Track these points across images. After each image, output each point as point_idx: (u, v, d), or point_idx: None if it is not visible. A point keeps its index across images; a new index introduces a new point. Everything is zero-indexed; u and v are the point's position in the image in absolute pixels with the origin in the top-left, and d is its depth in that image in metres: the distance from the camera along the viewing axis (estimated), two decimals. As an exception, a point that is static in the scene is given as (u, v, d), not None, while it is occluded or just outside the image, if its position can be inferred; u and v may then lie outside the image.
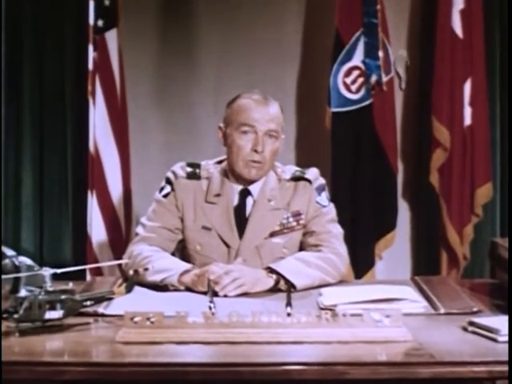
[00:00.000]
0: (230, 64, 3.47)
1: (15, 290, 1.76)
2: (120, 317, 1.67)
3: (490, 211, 3.36)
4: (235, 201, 2.22)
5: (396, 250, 3.40)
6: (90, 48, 3.08)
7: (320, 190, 2.27)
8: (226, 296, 1.96)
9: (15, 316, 1.64)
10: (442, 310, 1.82)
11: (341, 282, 2.16)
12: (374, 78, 3.19)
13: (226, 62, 3.48)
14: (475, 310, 1.82)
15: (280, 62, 3.48)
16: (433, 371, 1.46)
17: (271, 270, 2.06)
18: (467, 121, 3.25)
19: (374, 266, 3.25)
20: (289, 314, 1.63)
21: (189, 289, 2.02)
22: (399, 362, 1.50)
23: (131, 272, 1.87)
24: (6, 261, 1.86)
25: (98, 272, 2.89)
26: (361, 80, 3.20)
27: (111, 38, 3.11)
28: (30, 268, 1.82)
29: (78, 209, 3.31)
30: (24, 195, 3.35)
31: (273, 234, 2.21)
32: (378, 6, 3.16)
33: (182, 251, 2.28)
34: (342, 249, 2.23)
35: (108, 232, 3.13)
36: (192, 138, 3.47)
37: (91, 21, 3.07)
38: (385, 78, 3.19)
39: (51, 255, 3.36)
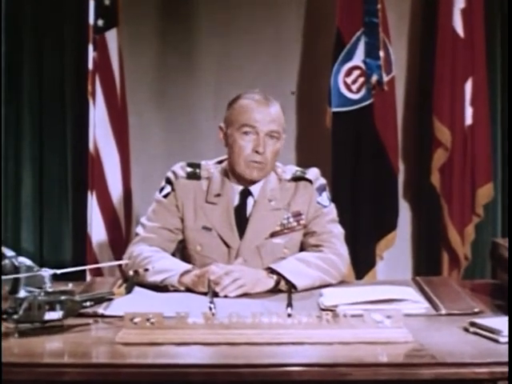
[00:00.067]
0: (230, 66, 3.47)
1: (14, 290, 1.75)
2: (120, 318, 1.67)
3: (491, 211, 3.36)
4: (236, 201, 2.22)
5: (397, 250, 3.39)
6: (90, 48, 3.08)
7: (321, 190, 2.26)
8: (226, 297, 1.96)
9: (14, 317, 1.63)
10: (444, 311, 1.82)
11: (342, 283, 2.15)
12: (374, 78, 3.18)
13: (225, 63, 3.48)
14: (476, 310, 1.82)
15: (280, 62, 3.48)
16: (434, 372, 1.45)
17: (272, 271, 2.06)
18: (468, 120, 3.24)
19: (374, 267, 3.25)
20: (289, 315, 1.62)
21: (189, 289, 2.01)
22: (400, 363, 1.49)
23: (131, 273, 1.87)
24: (6, 261, 1.85)
25: (97, 272, 2.89)
26: (361, 80, 3.20)
27: (111, 37, 3.11)
28: (29, 269, 1.81)
29: (77, 209, 3.31)
30: (24, 195, 3.35)
31: (273, 235, 2.21)
32: (379, 6, 3.16)
33: (182, 251, 2.28)
34: (343, 249, 2.22)
35: (108, 232, 3.12)
36: (192, 139, 3.47)
37: (91, 20, 3.07)
38: (385, 78, 3.19)
39: (51, 255, 3.36)
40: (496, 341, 1.56)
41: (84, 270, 2.80)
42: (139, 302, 1.85)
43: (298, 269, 2.07)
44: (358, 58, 3.19)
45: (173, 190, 2.22)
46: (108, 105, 3.11)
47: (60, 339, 1.63)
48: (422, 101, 3.40)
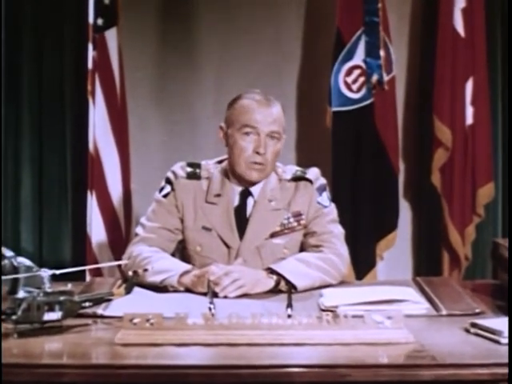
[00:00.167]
0: (230, 64, 3.46)
1: (13, 291, 1.74)
2: (119, 318, 1.66)
3: (491, 211, 3.35)
4: (236, 201, 2.21)
5: (397, 250, 3.38)
6: (90, 47, 3.07)
7: (321, 190, 2.25)
8: (226, 297, 1.95)
9: (13, 317, 1.63)
10: (444, 312, 1.81)
11: (342, 283, 2.15)
12: (375, 78, 3.17)
13: (226, 61, 3.47)
14: (477, 311, 1.81)
15: (280, 62, 3.47)
16: (435, 373, 1.45)
17: (272, 271, 2.05)
18: (469, 120, 3.24)
19: (375, 267, 3.24)
20: (289, 316, 1.61)
21: (189, 290, 2.00)
22: (401, 364, 1.49)
23: (130, 273, 1.86)
24: (5, 261, 1.85)
25: (97, 273, 2.88)
26: (362, 79, 3.19)
27: (111, 36, 3.10)
28: (28, 269, 1.81)
29: (77, 209, 3.30)
30: (23, 195, 3.34)
31: (273, 235, 2.20)
32: (379, 5, 3.15)
33: (181, 252, 2.27)
34: (343, 249, 2.22)
35: (108, 232, 3.12)
36: (192, 138, 3.46)
37: (91, 19, 3.06)
38: (386, 78, 3.18)
39: (51, 255, 3.35)
40: (497, 342, 1.55)
41: (83, 270, 2.79)
42: (139, 302, 1.84)
43: (298, 269, 2.07)
44: (359, 58, 3.19)
45: (173, 189, 2.21)
46: (108, 104, 3.11)
47: (59, 340, 1.62)
48: (423, 100, 3.39)
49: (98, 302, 1.77)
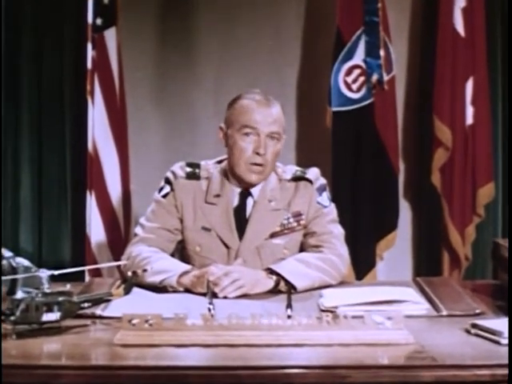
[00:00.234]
0: (230, 64, 3.46)
1: (12, 291, 1.74)
2: (118, 319, 1.65)
3: (492, 211, 3.35)
4: (235, 201, 2.20)
5: (397, 250, 3.38)
6: (89, 47, 3.07)
7: (321, 190, 2.25)
8: (225, 297, 1.95)
9: (12, 318, 1.62)
10: (445, 312, 1.81)
11: (342, 284, 2.14)
12: (375, 77, 3.17)
13: (225, 61, 3.46)
14: (478, 311, 1.81)
15: (280, 61, 3.47)
16: (435, 374, 1.44)
17: (271, 271, 2.05)
18: (469, 120, 3.23)
19: (375, 267, 3.24)
20: (289, 316, 1.61)
21: (188, 290, 2.00)
22: (401, 365, 1.48)
23: (130, 273, 1.85)
24: (3, 262, 1.84)
25: (96, 273, 2.88)
26: (362, 79, 3.19)
27: (110, 36, 3.09)
28: (27, 269, 1.80)
29: (76, 209, 3.30)
30: (23, 195, 3.34)
31: (273, 235, 2.19)
32: (379, 4, 3.15)
33: (181, 252, 2.27)
34: (343, 249, 2.21)
35: (107, 232, 3.11)
36: (191, 138, 3.46)
37: (90, 19, 3.06)
38: (386, 77, 3.18)
39: (50, 256, 3.35)
40: (497, 342, 1.55)
41: (83, 271, 2.78)
42: (138, 302, 1.84)
43: (298, 269, 2.06)
44: (359, 57, 3.18)
45: (172, 190, 2.21)
46: (107, 104, 3.10)
47: (58, 341, 1.61)
48: (423, 100, 3.39)
49: (96, 302, 1.76)
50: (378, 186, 3.24)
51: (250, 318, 1.59)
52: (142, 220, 2.24)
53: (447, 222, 3.24)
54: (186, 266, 2.07)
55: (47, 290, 1.67)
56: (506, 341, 1.53)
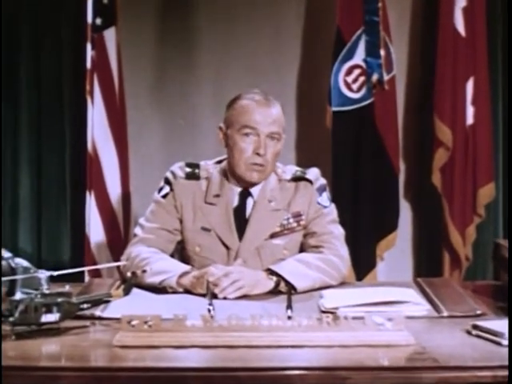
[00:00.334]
0: (230, 64, 3.45)
1: (11, 292, 1.73)
2: (117, 320, 1.65)
3: (492, 211, 3.34)
4: (235, 202, 2.20)
5: (397, 250, 3.37)
6: (88, 46, 3.06)
7: (321, 190, 2.24)
8: (225, 298, 1.94)
9: (11, 319, 1.61)
10: (445, 313, 1.80)
11: (342, 284, 2.13)
12: (375, 77, 3.16)
13: (225, 61, 3.46)
14: (479, 312, 1.80)
15: (280, 61, 3.46)
16: (436, 376, 1.43)
17: (271, 272, 2.04)
18: (469, 120, 3.22)
19: (375, 267, 3.23)
20: (289, 317, 1.60)
21: (187, 291, 1.99)
22: (402, 367, 1.47)
23: (129, 274, 1.85)
24: (3, 262, 1.83)
25: (96, 273, 2.87)
26: (362, 79, 3.18)
27: (109, 36, 3.09)
28: (26, 270, 1.79)
29: (76, 209, 3.29)
30: (22, 196, 3.33)
31: (273, 235, 2.19)
32: (380, 4, 3.14)
33: (180, 252, 2.26)
34: (343, 250, 2.21)
35: (106, 233, 3.11)
36: (191, 139, 3.45)
37: (89, 19, 3.05)
38: (386, 77, 3.17)
39: (49, 256, 3.34)
40: (499, 344, 1.54)
41: (82, 271, 2.78)
42: (137, 303, 1.83)
43: (298, 270, 2.06)
44: (359, 57, 3.17)
45: (171, 190, 2.20)
46: (106, 104, 3.09)
47: (57, 342, 1.61)
48: (423, 100, 3.38)
49: (96, 303, 1.76)
50: (379, 186, 3.23)
51: (250, 318, 1.58)
52: (142, 220, 2.24)
53: (448, 222, 3.23)
54: (185, 267, 2.06)
55: (46, 291, 1.66)
56: (507, 342, 1.53)
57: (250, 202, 2.20)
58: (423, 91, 3.39)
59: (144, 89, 3.46)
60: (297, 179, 2.23)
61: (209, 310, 1.65)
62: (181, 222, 2.19)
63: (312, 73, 3.45)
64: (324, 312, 1.76)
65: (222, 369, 1.47)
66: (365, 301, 1.79)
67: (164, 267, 2.04)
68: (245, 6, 3.44)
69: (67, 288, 1.71)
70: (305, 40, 3.47)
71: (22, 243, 3.33)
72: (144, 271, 1.91)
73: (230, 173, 2.20)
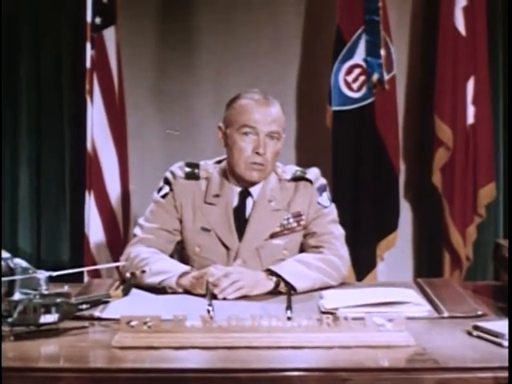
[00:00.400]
0: (230, 64, 3.44)
1: (10, 292, 1.72)
2: (116, 320, 1.64)
3: (493, 211, 3.34)
4: (235, 202, 2.19)
5: (398, 251, 3.36)
6: (88, 46, 3.05)
7: (321, 190, 2.23)
8: (225, 299, 1.93)
9: (9, 320, 1.61)
10: (446, 314, 1.79)
11: (342, 285, 2.13)
12: (375, 77, 3.15)
13: (225, 61, 3.45)
14: (480, 313, 1.79)
15: (280, 61, 3.45)
16: (436, 377, 1.43)
17: (271, 272, 2.04)
18: (470, 119, 3.22)
19: (375, 268, 3.22)
20: (289, 318, 1.59)
21: (187, 291, 1.99)
22: (402, 368, 1.47)
23: (128, 274, 1.84)
24: (1, 263, 1.82)
25: (95, 273, 2.86)
26: (362, 78, 3.17)
27: (109, 35, 3.08)
28: (24, 270, 1.78)
29: (75, 209, 3.28)
30: (21, 196, 3.33)
31: (273, 236, 2.18)
32: (380, 3, 3.13)
33: (180, 253, 2.25)
34: (344, 250, 2.20)
35: (106, 233, 3.10)
36: (191, 139, 3.44)
37: (89, 18, 3.04)
38: (386, 77, 3.16)
39: (48, 256, 3.34)
40: (500, 345, 1.53)
41: (82, 271, 2.77)
42: (136, 304, 1.83)
43: (298, 270, 2.05)
44: (359, 57, 3.16)
45: (171, 190, 2.19)
46: (106, 104, 3.08)
47: (55, 343, 1.60)
48: (424, 100, 3.38)
49: (95, 304, 1.75)
50: (379, 186, 3.23)
51: (250, 319, 1.58)
52: (141, 220, 2.23)
53: (448, 222, 3.23)
54: (185, 267, 2.06)
55: (45, 292, 1.65)
56: (508, 343, 1.52)
57: (249, 201, 2.19)
58: (423, 91, 3.39)
59: (144, 89, 3.45)
60: (297, 179, 2.23)
61: (208, 311, 1.65)
62: (180, 222, 2.19)
63: (312, 72, 3.45)
64: (324, 313, 1.75)
65: (222, 370, 1.46)
66: (365, 301, 1.78)
67: (163, 267, 2.03)
68: (245, 6, 3.43)
69: (66, 288, 1.71)
70: (305, 40, 3.46)
71: (22, 243, 3.32)
72: (143, 271, 1.91)
73: (229, 172, 2.19)
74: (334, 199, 2.30)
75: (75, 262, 3.16)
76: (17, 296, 1.64)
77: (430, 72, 3.27)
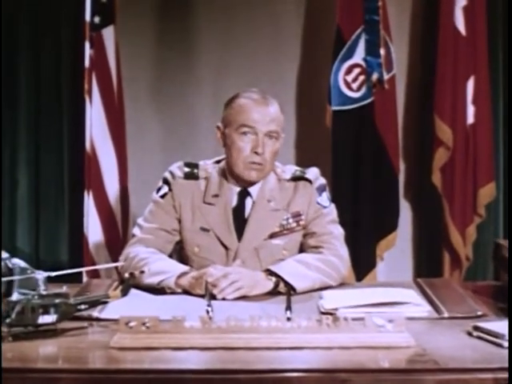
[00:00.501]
0: (229, 63, 3.44)
1: (8, 293, 1.71)
2: (115, 321, 1.63)
3: (493, 211, 3.33)
4: (234, 202, 2.18)
5: (397, 250, 3.36)
6: (87, 45, 3.05)
7: (321, 190, 2.23)
8: (224, 299, 1.92)
9: (7, 320, 1.60)
10: (446, 314, 1.79)
11: (342, 285, 2.12)
12: (375, 76, 3.15)
13: (225, 61, 3.44)
14: (480, 313, 1.79)
15: (280, 60, 3.45)
16: (437, 378, 1.42)
17: (270, 273, 2.03)
18: (470, 119, 3.21)
19: (375, 268, 3.22)
20: (289, 319, 1.59)
21: (186, 292, 1.98)
22: (402, 369, 1.46)
23: (127, 275, 1.83)
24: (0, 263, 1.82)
25: (94, 274, 2.85)
26: (362, 78, 3.16)
27: (108, 35, 3.07)
28: (23, 271, 1.77)
29: (74, 209, 3.28)
30: (20, 196, 3.32)
31: (272, 236, 2.17)
32: (380, 3, 3.13)
33: (179, 253, 2.25)
34: (343, 250, 2.19)
35: (105, 233, 3.09)
36: (190, 138, 3.44)
37: (88, 17, 3.04)
38: (386, 76, 3.15)
39: (47, 256, 3.33)
40: (500, 345, 1.52)
41: (81, 272, 2.76)
42: (135, 304, 1.82)
43: (298, 270, 2.04)
44: (359, 56, 3.16)
45: (170, 190, 2.19)
46: (105, 103, 3.08)
47: (54, 343, 1.59)
48: (424, 99, 3.37)
49: (93, 304, 1.74)
50: (378, 185, 3.22)
51: (249, 320, 1.57)
52: (140, 220, 2.22)
53: (448, 222, 3.22)
54: (184, 267, 2.05)
55: (43, 292, 1.65)
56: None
57: (248, 201, 2.19)
58: (423, 90, 3.38)
59: (143, 88, 3.45)
60: (296, 179, 2.22)
61: (207, 311, 1.64)
62: (179, 222, 2.18)
63: (312, 72, 3.44)
64: (324, 313, 1.74)
65: (221, 371, 1.45)
66: (365, 302, 1.77)
67: (162, 268, 2.02)
68: (244, 5, 3.43)
69: (64, 289, 1.70)
70: (304, 39, 3.45)
71: (20, 243, 3.32)
72: (142, 272, 1.91)
73: (228, 172, 2.19)
74: (333, 199, 2.30)
75: (74, 262, 3.16)
76: (15, 296, 1.64)
77: (430, 72, 3.27)
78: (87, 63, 3.05)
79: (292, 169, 2.25)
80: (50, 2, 3.31)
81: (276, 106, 2.16)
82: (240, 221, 2.16)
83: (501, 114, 3.34)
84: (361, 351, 1.52)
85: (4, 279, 1.73)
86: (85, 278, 2.68)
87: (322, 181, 2.25)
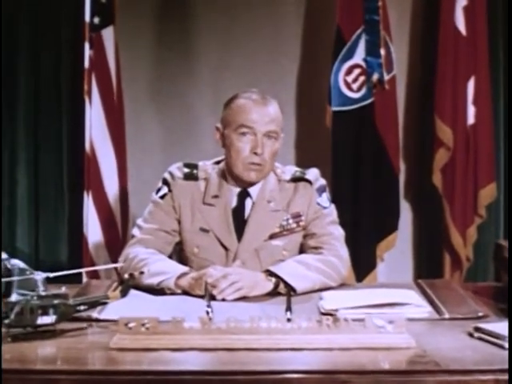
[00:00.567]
0: (229, 64, 3.43)
1: (7, 294, 1.71)
2: (115, 322, 1.63)
3: (493, 212, 3.32)
4: (234, 202, 2.18)
5: (398, 251, 3.35)
6: (86, 46, 3.04)
7: (321, 190, 2.22)
8: (223, 300, 1.92)
9: (6, 321, 1.60)
10: (447, 315, 1.78)
11: (342, 286, 2.12)
12: (375, 77, 3.14)
13: (224, 61, 3.44)
14: (481, 314, 1.78)
15: (280, 61, 3.45)
16: (437, 379, 1.41)
17: (270, 273, 2.03)
18: (470, 120, 3.21)
19: (375, 268, 3.21)
20: (289, 320, 1.58)
21: (186, 292, 1.98)
22: (403, 370, 1.45)
23: (126, 275, 1.83)
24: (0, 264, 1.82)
25: (94, 274, 2.85)
26: (362, 78, 3.16)
27: (108, 35, 3.07)
28: (22, 271, 1.77)
29: (73, 210, 3.28)
30: (19, 196, 3.32)
31: (272, 236, 2.17)
32: (380, 3, 3.12)
33: (179, 253, 2.24)
34: (343, 251, 2.19)
35: (104, 233, 3.09)
36: (190, 139, 3.43)
37: (87, 18, 3.03)
38: (386, 77, 3.15)
39: (47, 256, 3.33)
40: (501, 346, 1.52)
41: (80, 272, 2.76)
42: (134, 305, 1.82)
43: (298, 271, 2.04)
44: (359, 56, 3.15)
45: (170, 190, 2.19)
46: (104, 104, 3.08)
47: (53, 344, 1.59)
48: (424, 100, 3.37)
49: (93, 305, 1.74)
50: (379, 186, 3.22)
51: (249, 321, 1.56)
52: (140, 221, 2.22)
53: (448, 223, 3.22)
54: (183, 268, 2.05)
55: (42, 293, 1.64)
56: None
57: (248, 202, 2.18)
58: (424, 91, 3.38)
59: (142, 89, 3.44)
60: (296, 180, 2.22)
61: (207, 312, 1.65)
62: (179, 222, 2.18)
63: (312, 72, 3.44)
64: (324, 314, 1.74)
65: (221, 372, 1.45)
66: (365, 302, 1.77)
67: (162, 268, 2.02)
68: (244, 6, 3.43)
69: (64, 289, 1.69)
70: (305, 40, 3.45)
71: (20, 244, 3.31)
72: (142, 272, 1.90)
73: (228, 173, 2.18)
74: (333, 200, 2.29)
75: (73, 262, 3.15)
76: (14, 297, 1.63)
77: (431, 72, 3.26)
78: (87, 64, 3.05)
79: (292, 169, 2.25)
80: (50, 2, 3.31)
81: (275, 106, 2.16)
82: (240, 221, 2.16)
83: (501, 114, 3.33)
84: (361, 352, 1.51)
85: (3, 280, 1.72)
86: (84, 279, 2.68)
87: (322, 182, 2.25)
